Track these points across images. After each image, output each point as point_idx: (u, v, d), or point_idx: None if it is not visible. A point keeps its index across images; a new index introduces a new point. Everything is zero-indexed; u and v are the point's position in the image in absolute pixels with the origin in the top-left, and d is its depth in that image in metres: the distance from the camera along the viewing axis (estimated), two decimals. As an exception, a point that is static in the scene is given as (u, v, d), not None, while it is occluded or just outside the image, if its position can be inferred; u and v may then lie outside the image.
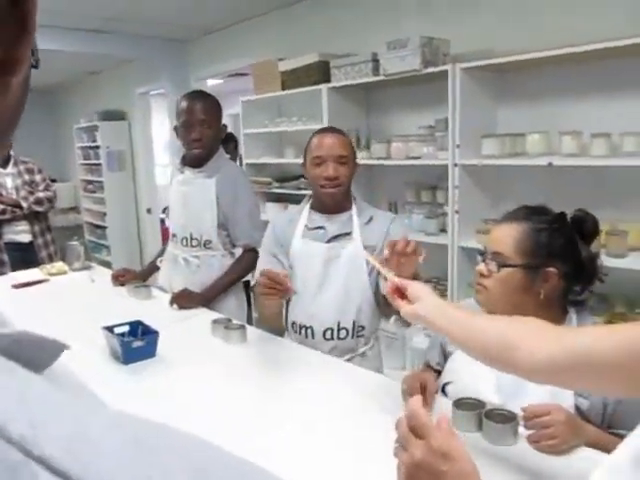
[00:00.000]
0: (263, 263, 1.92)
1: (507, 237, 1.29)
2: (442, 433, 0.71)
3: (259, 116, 3.93)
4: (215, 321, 1.98)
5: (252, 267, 2.43)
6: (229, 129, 4.25)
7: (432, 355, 1.55)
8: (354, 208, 1.88)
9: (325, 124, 3.24)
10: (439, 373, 1.50)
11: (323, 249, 1.83)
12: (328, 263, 1.83)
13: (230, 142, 4.34)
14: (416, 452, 0.71)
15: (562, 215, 1.31)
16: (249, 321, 2.57)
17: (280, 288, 1.52)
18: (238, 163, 4.22)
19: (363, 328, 1.86)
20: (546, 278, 1.26)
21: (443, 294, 2.87)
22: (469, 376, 1.34)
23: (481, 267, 1.33)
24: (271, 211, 3.89)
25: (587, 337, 0.78)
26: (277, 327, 1.96)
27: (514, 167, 2.56)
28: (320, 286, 1.85)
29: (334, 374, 1.62)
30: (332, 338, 1.85)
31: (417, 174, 3.13)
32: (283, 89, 3.55)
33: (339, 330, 1.84)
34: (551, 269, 1.25)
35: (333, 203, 1.85)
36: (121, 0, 3.70)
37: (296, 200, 3.72)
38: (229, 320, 2.01)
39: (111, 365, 1.71)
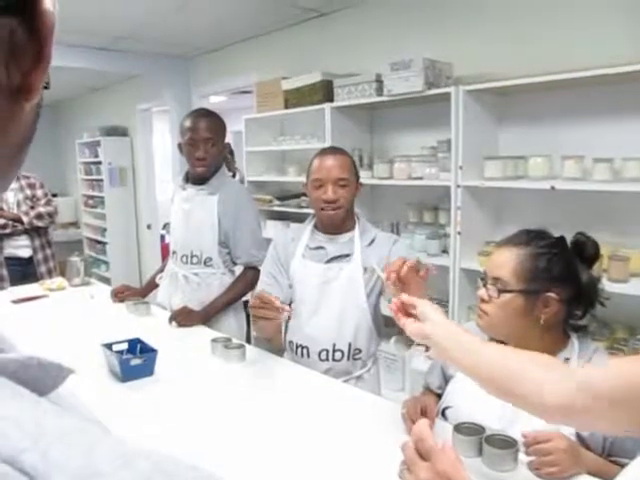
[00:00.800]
0: (262, 284, 1.95)
1: (507, 262, 1.30)
2: (447, 457, 0.72)
3: (262, 134, 3.96)
4: (214, 340, 1.98)
5: (252, 286, 2.43)
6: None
7: (432, 378, 1.55)
8: (357, 229, 1.89)
9: (328, 143, 3.27)
10: (439, 396, 1.51)
11: (320, 270, 1.84)
12: (325, 284, 1.84)
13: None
14: (421, 474, 0.73)
15: (562, 239, 1.32)
16: (248, 340, 2.57)
17: (270, 311, 1.55)
18: (237, 177, 4.25)
19: (360, 351, 1.86)
20: (546, 303, 1.26)
21: (446, 313, 2.86)
22: (469, 400, 1.35)
23: (482, 292, 1.34)
24: (272, 229, 3.89)
25: (597, 375, 0.79)
26: (276, 346, 1.97)
27: (516, 189, 2.57)
28: (316, 307, 1.86)
29: (333, 395, 1.63)
30: (327, 359, 1.85)
31: (419, 195, 3.13)
32: (286, 107, 3.58)
33: (334, 352, 1.84)
34: (551, 294, 1.25)
35: (332, 225, 1.87)
36: (130, 19, 3.76)
37: (297, 218, 3.74)
38: (228, 339, 2.01)
39: (109, 382, 1.71)
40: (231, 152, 4.52)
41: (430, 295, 2.97)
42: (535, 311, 1.27)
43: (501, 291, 1.28)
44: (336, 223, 1.86)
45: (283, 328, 1.95)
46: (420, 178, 2.93)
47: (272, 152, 3.99)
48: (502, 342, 1.25)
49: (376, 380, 1.95)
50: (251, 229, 2.37)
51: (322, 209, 1.82)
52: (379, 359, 2.01)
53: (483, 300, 1.33)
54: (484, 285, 1.34)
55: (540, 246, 1.30)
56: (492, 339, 1.31)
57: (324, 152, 1.87)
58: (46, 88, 0.36)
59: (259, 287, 1.95)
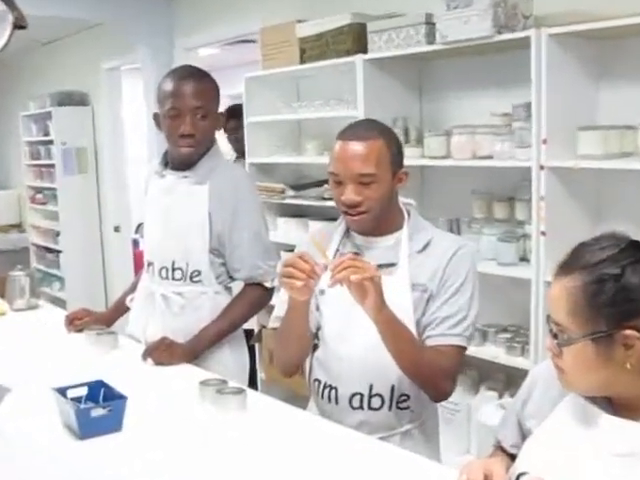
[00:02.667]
0: (279, 308, 1.98)
1: (560, 300, 1.29)
2: None
3: (269, 99, 3.99)
4: (204, 382, 1.99)
5: (257, 309, 2.50)
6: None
7: (505, 432, 1.55)
8: (405, 228, 1.91)
9: (360, 111, 3.31)
10: (513, 458, 1.50)
11: None
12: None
13: (232, 119, 4.31)
14: None
15: (635, 245, 1.28)
16: (252, 383, 2.59)
17: (308, 273, 1.67)
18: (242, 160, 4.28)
19: (407, 397, 1.86)
20: (627, 343, 1.24)
21: (523, 350, 2.90)
22: (552, 464, 1.35)
23: (548, 343, 1.35)
24: (284, 229, 3.94)
25: None
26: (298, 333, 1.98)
27: (623, 172, 2.56)
28: (347, 333, 1.88)
29: (368, 460, 1.61)
30: (361, 407, 1.86)
31: (488, 180, 3.14)
32: (302, 62, 3.62)
33: (371, 397, 1.85)
34: (629, 331, 1.23)
35: (361, 231, 1.92)
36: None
37: (318, 214, 3.79)
38: (223, 381, 2.01)
39: (63, 439, 1.72)
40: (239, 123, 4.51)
41: (501, 320, 3.01)
42: (616, 357, 1.24)
43: (562, 345, 1.28)
44: (365, 228, 1.90)
45: (308, 363, 2.00)
46: (489, 157, 2.94)
47: (284, 123, 4.03)
48: (605, 398, 1.29)
49: (432, 439, 1.94)
50: (255, 231, 2.39)
51: (344, 212, 1.88)
52: (437, 409, 2.02)
53: (554, 354, 1.33)
54: (550, 331, 1.33)
55: (599, 267, 1.25)
56: (589, 397, 1.31)
57: (346, 133, 1.88)
58: (21, 28, 0.38)
59: (276, 312, 2.00)
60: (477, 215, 3.18)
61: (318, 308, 1.95)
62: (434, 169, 3.29)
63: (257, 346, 3.99)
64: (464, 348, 1.85)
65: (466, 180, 3.22)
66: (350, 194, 1.81)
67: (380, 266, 1.84)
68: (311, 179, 3.90)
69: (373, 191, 1.81)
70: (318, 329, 1.96)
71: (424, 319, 1.85)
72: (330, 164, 1.89)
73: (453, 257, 1.85)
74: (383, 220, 1.89)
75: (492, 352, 3.01)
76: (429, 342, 1.84)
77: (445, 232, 2.23)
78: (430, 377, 1.82)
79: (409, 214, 1.94)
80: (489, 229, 3.06)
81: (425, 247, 1.88)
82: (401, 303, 1.81)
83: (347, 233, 1.97)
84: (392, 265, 1.87)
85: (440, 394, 1.89)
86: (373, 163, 1.80)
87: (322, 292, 1.93)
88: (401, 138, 3.13)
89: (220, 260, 2.40)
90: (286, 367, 2.03)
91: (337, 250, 1.94)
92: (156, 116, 2.42)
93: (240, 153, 4.28)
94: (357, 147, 1.81)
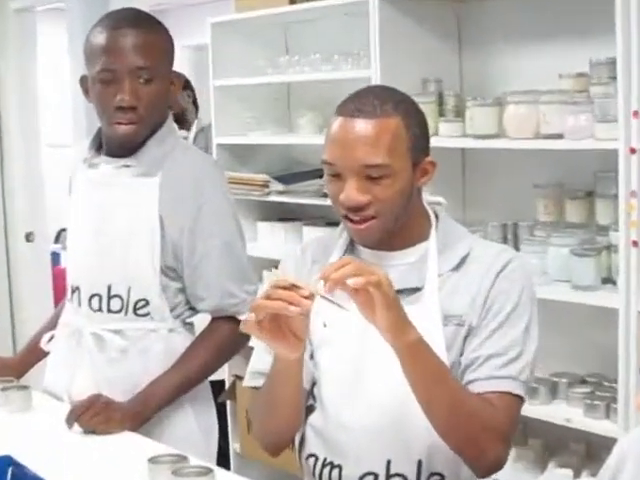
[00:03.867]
0: (256, 361, 1.99)
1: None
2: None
3: (246, 53, 4.07)
4: (155, 459, 1.96)
5: (228, 353, 2.52)
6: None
7: None
8: (433, 238, 1.92)
9: (375, 71, 3.34)
10: None
11: (362, 321, 1.77)
12: (369, 344, 1.83)
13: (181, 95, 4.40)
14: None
15: None
16: (222, 459, 2.57)
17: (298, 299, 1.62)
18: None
19: (441, 478, 1.85)
20: None
21: (609, 410, 2.87)
22: None
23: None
24: (267, 238, 3.94)
25: None
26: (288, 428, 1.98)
27: None
28: (356, 391, 1.88)
29: None
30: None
31: (557, 168, 3.21)
32: (293, 0, 3.69)
33: (389, 478, 1.84)
34: None
35: (369, 243, 1.92)
36: None
37: (317, 216, 3.80)
38: (182, 457, 1.99)
39: None
40: (189, 90, 4.56)
41: (575, 367, 3.03)
42: None
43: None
44: (375, 241, 1.90)
45: (299, 433, 1.98)
46: (557, 136, 2.97)
47: (266, 88, 4.11)
48: None
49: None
50: (225, 242, 2.42)
51: (345, 217, 1.86)
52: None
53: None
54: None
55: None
56: None
57: (347, 106, 1.88)
58: None
59: (253, 365, 2.00)
60: (542, 218, 3.21)
61: (313, 356, 1.96)
62: (480, 153, 3.35)
63: (229, 405, 3.99)
64: (520, 399, 1.83)
65: (526, 169, 3.27)
66: (352, 192, 1.79)
67: (399, 292, 1.80)
68: (306, 167, 3.97)
69: (385, 188, 1.81)
70: (314, 385, 1.96)
71: (463, 359, 1.85)
72: (324, 149, 1.88)
73: (500, 274, 1.85)
74: (400, 228, 1.89)
75: (564, 413, 3.01)
76: (469, 389, 1.83)
77: (488, 242, 2.26)
78: (474, 437, 1.78)
79: (437, 218, 1.95)
80: (559, 238, 3.07)
81: (461, 264, 1.88)
82: (429, 342, 1.77)
83: (351, 247, 1.98)
84: (416, 290, 1.86)
85: (488, 464, 1.83)
86: (385, 150, 1.80)
87: (315, 335, 1.94)
88: (433, 110, 3.19)
89: (177, 284, 2.42)
90: (270, 442, 2.02)
91: None
92: (84, 81, 2.43)
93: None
94: (362, 127, 1.80)
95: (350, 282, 1.57)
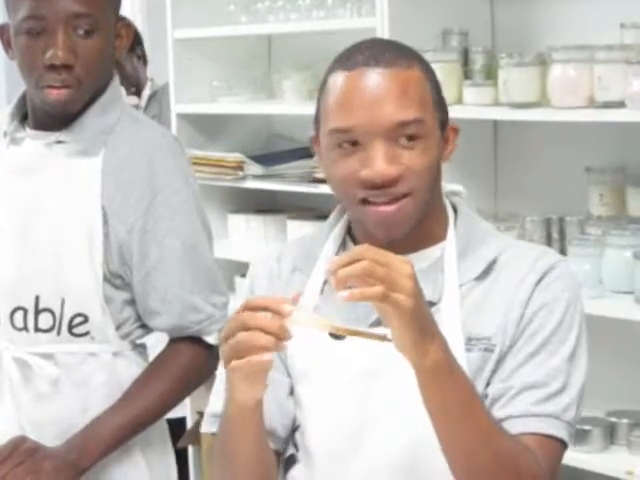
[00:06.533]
0: (220, 391, 1.90)
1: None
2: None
3: None
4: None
5: (191, 384, 2.52)
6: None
7: None
8: (452, 238, 1.93)
9: (382, 19, 3.38)
10: None
11: (363, 342, 1.75)
12: (374, 378, 1.85)
13: (131, 51, 4.41)
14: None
15: None
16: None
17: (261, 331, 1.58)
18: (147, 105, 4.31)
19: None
20: None
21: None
22: None
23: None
24: (241, 235, 3.96)
25: None
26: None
27: None
28: (355, 441, 1.85)
29: None
30: None
31: (616, 147, 3.25)
32: None
33: None
34: None
35: (398, 236, 1.86)
36: None
37: (305, 208, 3.79)
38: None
39: None
40: (138, 44, 4.57)
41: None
42: None
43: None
44: (404, 232, 1.85)
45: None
46: (618, 105, 3.01)
47: (240, 42, 4.23)
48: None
49: None
50: (187, 241, 2.44)
51: (363, 202, 1.82)
52: None
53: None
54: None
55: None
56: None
57: (355, 57, 1.84)
58: None
59: (213, 406, 1.96)
60: (596, 211, 3.24)
61: (293, 390, 1.94)
62: (517, 127, 3.34)
63: (191, 451, 4.00)
64: (563, 444, 1.80)
65: (576, 148, 3.34)
66: (380, 163, 1.76)
67: None
68: (291, 144, 4.02)
69: (418, 154, 1.79)
70: (295, 430, 1.94)
71: (490, 391, 1.81)
72: (325, 117, 1.83)
73: (539, 284, 1.83)
74: (417, 224, 1.87)
75: (625, 463, 3.04)
76: None
77: (522, 242, 2.20)
78: None
79: (456, 212, 1.96)
80: (619, 237, 3.09)
81: (488, 271, 1.87)
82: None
83: (342, 250, 1.96)
84: (430, 305, 1.77)
85: None
86: (417, 102, 1.80)
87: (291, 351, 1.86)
88: (456, 70, 3.21)
89: (124, 295, 2.43)
90: None
91: (324, 284, 1.92)
92: (4, 31, 2.43)
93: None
94: (384, 77, 1.80)
95: (355, 293, 1.50)
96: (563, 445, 1.78)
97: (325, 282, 1.92)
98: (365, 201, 1.80)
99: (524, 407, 1.75)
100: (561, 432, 1.77)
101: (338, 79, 1.81)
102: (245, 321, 1.59)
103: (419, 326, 1.56)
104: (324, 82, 1.85)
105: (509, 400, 1.77)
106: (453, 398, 1.65)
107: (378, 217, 1.82)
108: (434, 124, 1.83)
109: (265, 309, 1.59)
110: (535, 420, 1.75)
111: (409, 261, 1.56)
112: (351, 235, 1.97)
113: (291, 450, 1.93)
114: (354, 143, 1.78)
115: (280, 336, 1.56)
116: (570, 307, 1.82)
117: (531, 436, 1.74)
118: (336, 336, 1.78)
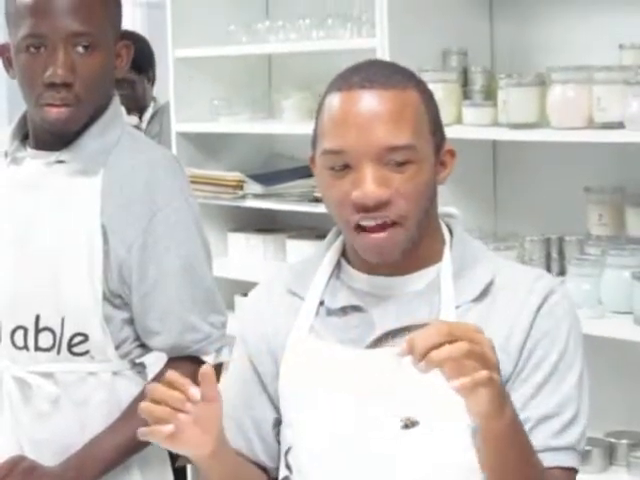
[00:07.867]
0: (230, 408, 1.92)
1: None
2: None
3: (214, 16, 4.20)
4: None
5: None
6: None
7: None
8: (447, 259, 1.92)
9: (382, 39, 3.40)
10: None
11: (357, 367, 1.86)
12: (368, 404, 1.83)
13: (142, 72, 4.42)
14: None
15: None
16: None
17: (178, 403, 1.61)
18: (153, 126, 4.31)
19: None
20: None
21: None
22: None
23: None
24: (241, 254, 3.96)
25: None
26: None
27: None
28: (354, 459, 1.83)
29: None
30: None
31: (616, 167, 3.26)
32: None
33: None
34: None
35: (390, 262, 1.86)
36: None
37: (306, 227, 3.79)
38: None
39: None
40: (150, 66, 4.57)
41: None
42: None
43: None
44: (396, 258, 1.86)
45: None
46: (617, 125, 3.01)
47: (241, 62, 4.23)
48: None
49: None
50: (186, 261, 2.43)
51: (357, 228, 1.81)
52: None
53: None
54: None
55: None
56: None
57: (352, 78, 1.85)
58: None
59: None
60: (596, 231, 3.25)
61: (282, 417, 1.95)
62: (517, 146, 3.33)
63: (190, 470, 3.99)
64: (575, 472, 1.81)
65: (575, 168, 3.34)
66: (369, 185, 1.75)
67: (404, 330, 1.82)
68: (291, 163, 4.02)
69: (408, 179, 1.79)
70: (287, 453, 1.91)
71: None
72: (321, 137, 1.82)
73: (541, 311, 1.84)
74: (412, 248, 1.87)
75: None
76: None
77: (515, 264, 2.22)
78: None
79: (451, 233, 1.96)
80: (618, 257, 3.10)
81: (485, 293, 1.86)
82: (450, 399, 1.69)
83: (337, 272, 1.97)
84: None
85: None
86: (410, 127, 1.79)
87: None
88: (456, 90, 3.21)
89: (123, 314, 2.42)
90: None
91: (320, 306, 1.94)
92: (5, 50, 2.41)
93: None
94: (379, 100, 1.80)
95: (467, 383, 1.51)
96: (576, 472, 1.82)
97: (321, 303, 1.92)
98: (359, 227, 1.80)
99: (544, 441, 1.76)
100: (576, 462, 1.80)
101: (333, 100, 1.82)
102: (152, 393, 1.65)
103: (500, 392, 1.58)
104: (321, 102, 1.86)
105: (528, 433, 1.75)
106: (515, 451, 1.69)
107: (369, 244, 1.83)
108: (428, 149, 1.83)
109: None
110: (554, 453, 1.77)
111: (482, 330, 1.57)
112: (346, 257, 1.96)
113: (284, 472, 1.92)
114: (346, 165, 1.77)
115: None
116: (572, 331, 1.84)
117: (557, 470, 1.77)
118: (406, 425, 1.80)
